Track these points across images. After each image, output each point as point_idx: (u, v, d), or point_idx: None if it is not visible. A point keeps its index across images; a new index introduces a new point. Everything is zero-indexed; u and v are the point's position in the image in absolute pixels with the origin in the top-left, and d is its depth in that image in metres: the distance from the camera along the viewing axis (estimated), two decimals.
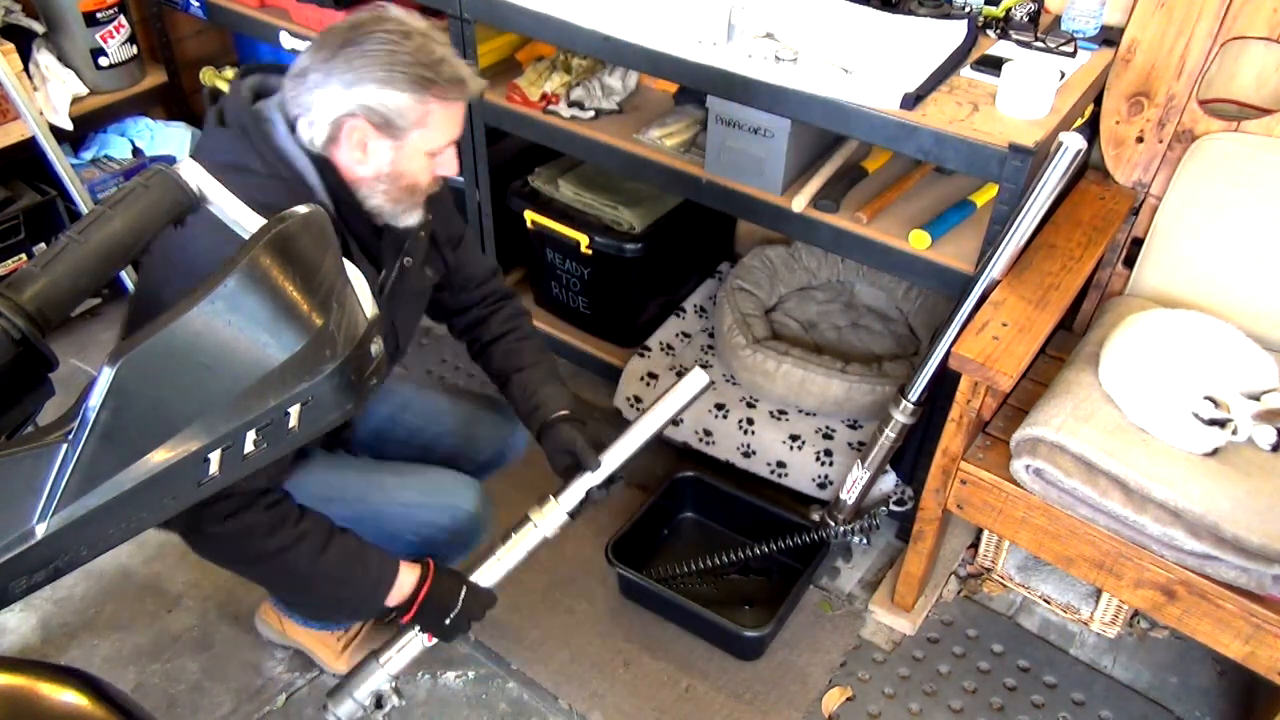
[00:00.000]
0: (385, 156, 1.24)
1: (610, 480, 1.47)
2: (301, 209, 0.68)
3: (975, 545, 2.01)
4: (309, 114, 1.21)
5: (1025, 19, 1.76)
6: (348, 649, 1.77)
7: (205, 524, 1.26)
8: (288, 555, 1.30)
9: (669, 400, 1.46)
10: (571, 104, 2.03)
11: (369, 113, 1.20)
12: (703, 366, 2.20)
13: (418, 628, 1.44)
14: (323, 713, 1.45)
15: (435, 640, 1.45)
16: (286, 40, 2.22)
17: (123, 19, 2.39)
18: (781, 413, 2.09)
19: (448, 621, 1.43)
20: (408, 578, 1.41)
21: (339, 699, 1.45)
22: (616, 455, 1.46)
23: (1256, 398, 1.45)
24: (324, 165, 1.25)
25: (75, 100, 2.37)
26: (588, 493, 1.46)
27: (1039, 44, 1.70)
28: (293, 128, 1.24)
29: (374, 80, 1.18)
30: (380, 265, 1.37)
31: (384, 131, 1.22)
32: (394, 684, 1.46)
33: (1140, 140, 1.72)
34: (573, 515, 1.47)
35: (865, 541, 1.93)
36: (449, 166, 1.31)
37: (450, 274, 1.55)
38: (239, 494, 1.25)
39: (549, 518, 1.45)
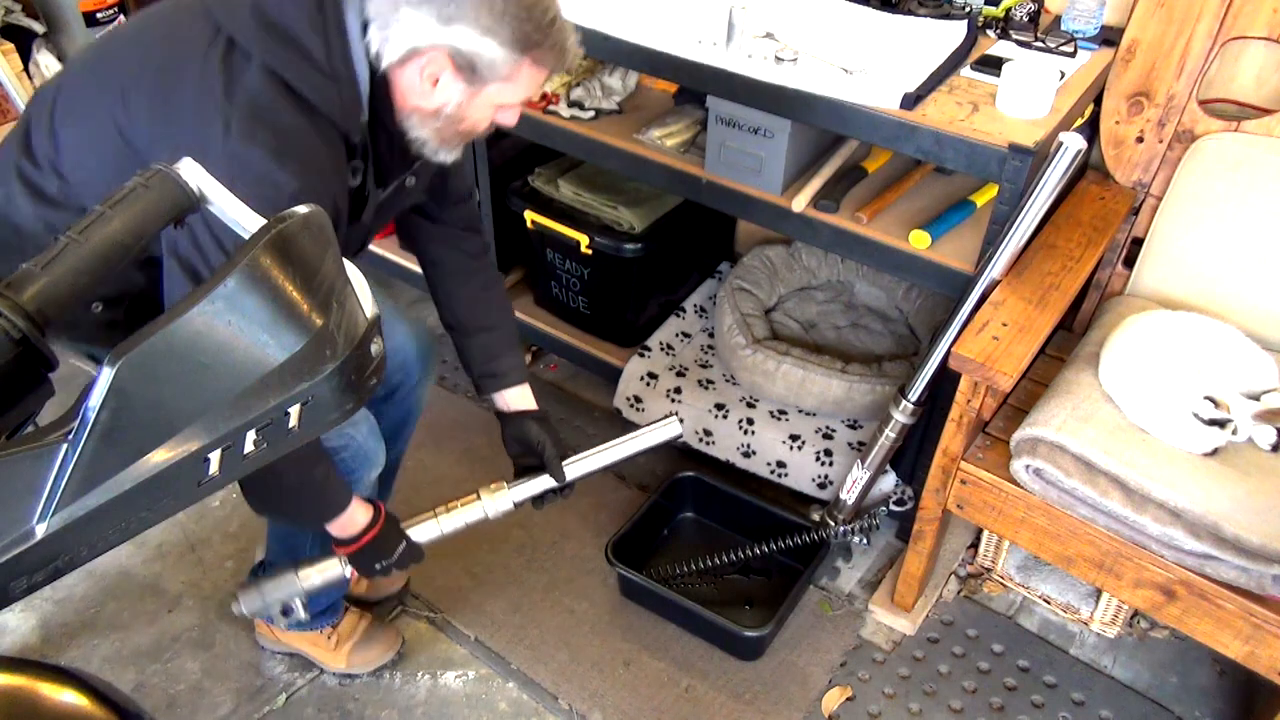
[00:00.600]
0: (454, 98, 1.17)
1: (565, 488, 1.53)
2: (301, 209, 0.68)
3: (975, 545, 2.01)
4: (387, 29, 1.11)
5: (1025, 19, 1.76)
6: (340, 646, 1.77)
7: None
8: (282, 465, 1.26)
9: (642, 438, 1.55)
10: (571, 104, 2.03)
11: (456, 54, 1.12)
12: (702, 367, 2.22)
13: (346, 559, 1.43)
14: (233, 603, 1.42)
15: (356, 575, 1.45)
16: None
17: (122, 19, 2.39)
18: (781, 413, 2.09)
19: (378, 566, 1.43)
20: (360, 516, 1.39)
21: (250, 596, 1.44)
22: (578, 469, 1.53)
23: (1256, 398, 1.45)
24: (380, 81, 1.15)
25: None
26: (543, 493, 1.52)
27: (1039, 44, 1.70)
28: (364, 27, 1.12)
29: (477, 26, 1.10)
30: (386, 182, 1.31)
31: (463, 75, 1.14)
32: (304, 599, 1.45)
33: (1140, 140, 1.72)
34: (518, 506, 1.51)
35: (865, 541, 1.93)
36: (509, 119, 1.24)
37: (433, 188, 1.50)
38: None
39: (496, 502, 1.49)
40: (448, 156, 1.26)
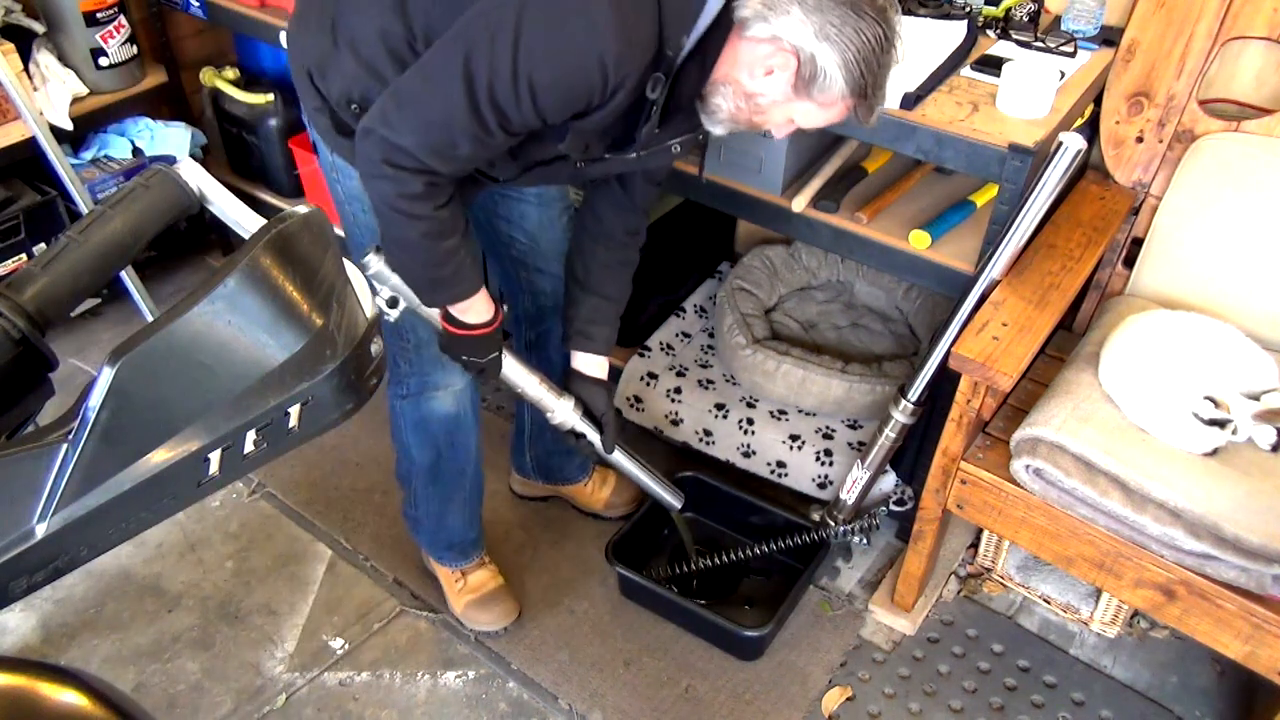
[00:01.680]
0: (771, 95, 1.20)
1: (596, 453, 1.67)
2: (301, 209, 0.68)
3: (975, 545, 2.01)
4: (770, 8, 1.13)
5: (1025, 19, 1.76)
6: (462, 594, 1.88)
7: (368, 154, 1.21)
8: (412, 224, 1.26)
9: (653, 482, 1.75)
10: None
11: (808, 64, 1.16)
12: (702, 367, 2.22)
13: (444, 332, 1.45)
14: (366, 253, 1.41)
15: (442, 341, 1.48)
16: (286, 40, 2.21)
17: (123, 19, 2.39)
18: (781, 413, 2.09)
19: (465, 358, 1.47)
20: (481, 310, 1.41)
21: (380, 267, 1.41)
22: (617, 457, 1.69)
23: (1256, 398, 1.45)
24: (720, 33, 1.18)
25: (75, 100, 2.37)
26: (583, 438, 1.64)
27: (1039, 44, 1.70)
28: None
29: (840, 55, 1.14)
30: (663, 124, 1.29)
31: (797, 81, 1.18)
32: (401, 315, 1.44)
33: (1140, 140, 1.72)
34: (571, 432, 1.63)
35: (865, 541, 1.93)
36: (781, 134, 1.30)
37: (650, 170, 1.51)
38: (414, 158, 1.19)
39: (567, 413, 1.61)
40: (721, 130, 1.28)
